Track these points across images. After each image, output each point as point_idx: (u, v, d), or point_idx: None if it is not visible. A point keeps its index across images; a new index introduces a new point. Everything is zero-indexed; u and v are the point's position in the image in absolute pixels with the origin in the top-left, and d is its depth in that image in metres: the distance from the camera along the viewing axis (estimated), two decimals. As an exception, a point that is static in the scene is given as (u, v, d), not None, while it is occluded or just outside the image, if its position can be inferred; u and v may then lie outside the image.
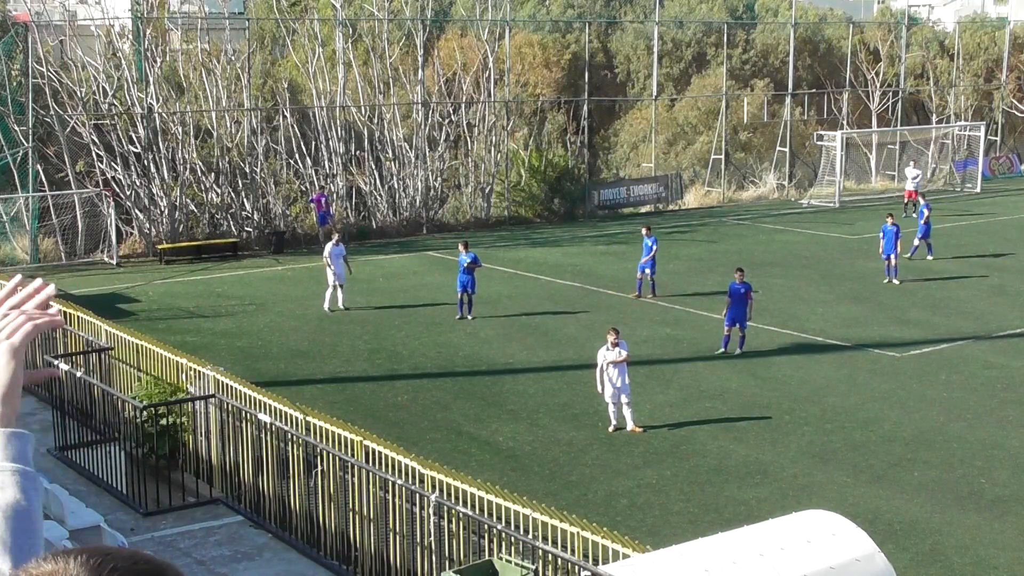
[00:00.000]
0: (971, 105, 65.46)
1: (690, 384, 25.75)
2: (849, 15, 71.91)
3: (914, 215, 39.13)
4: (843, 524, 12.20)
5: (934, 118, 64.21)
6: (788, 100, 58.42)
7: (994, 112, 66.33)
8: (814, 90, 60.65)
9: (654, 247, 34.06)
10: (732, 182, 57.42)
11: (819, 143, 56.03)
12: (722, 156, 56.03)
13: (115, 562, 2.21)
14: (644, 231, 34.92)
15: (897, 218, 38.24)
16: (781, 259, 40.19)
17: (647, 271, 34.28)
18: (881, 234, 36.44)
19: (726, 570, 11.09)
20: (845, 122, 59.61)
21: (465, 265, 31.63)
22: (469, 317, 31.83)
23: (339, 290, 32.60)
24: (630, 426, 22.47)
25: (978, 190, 57.74)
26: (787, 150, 57.88)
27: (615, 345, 22.50)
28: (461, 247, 32.67)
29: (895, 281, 35.80)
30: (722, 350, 28.04)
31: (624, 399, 22.49)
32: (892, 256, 35.91)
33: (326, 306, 32.47)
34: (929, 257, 38.59)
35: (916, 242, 38.56)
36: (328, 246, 32.77)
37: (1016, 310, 32.65)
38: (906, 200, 47.10)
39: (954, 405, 24.22)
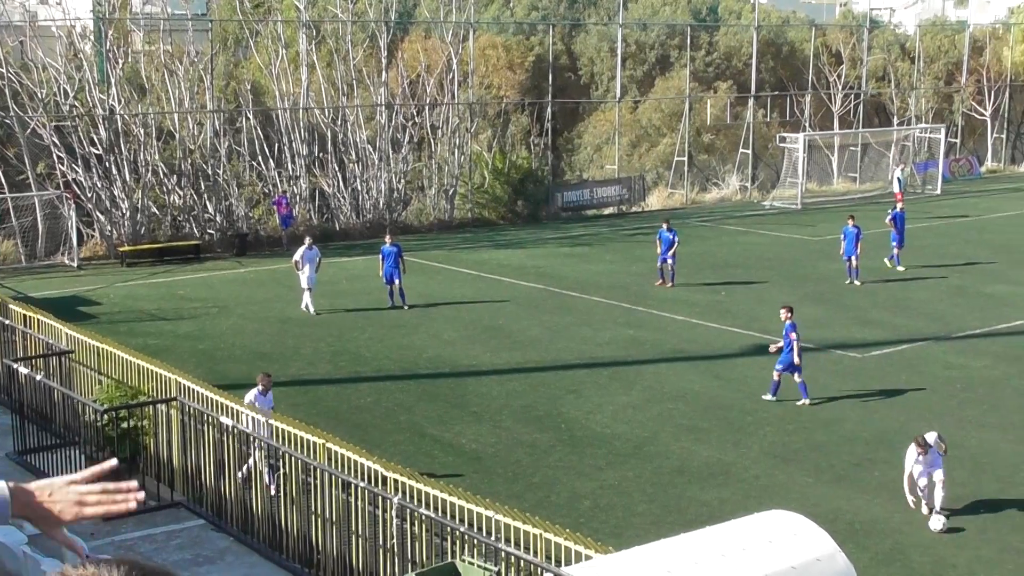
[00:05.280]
0: (932, 107, 65.95)
1: (653, 385, 25.81)
2: (811, 18, 72.36)
3: (887, 220, 38.97)
4: (804, 524, 12.26)
5: (895, 120, 64.64)
6: (751, 102, 58.68)
7: (954, 115, 66.85)
8: (777, 92, 60.94)
9: (675, 239, 35.72)
10: (695, 184, 57.61)
11: (782, 145, 56.27)
12: (685, 158, 56.22)
13: (155, 574, 2.37)
14: (664, 225, 36.36)
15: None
16: (744, 261, 40.34)
17: (669, 261, 35.79)
18: (842, 236, 36.63)
19: (688, 571, 11.12)
20: (807, 124, 59.93)
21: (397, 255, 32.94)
22: (405, 307, 32.57)
23: (306, 293, 32.44)
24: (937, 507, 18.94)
25: (938, 192, 58.15)
26: (750, 152, 58.13)
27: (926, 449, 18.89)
28: (387, 237, 33.92)
29: (856, 282, 36.00)
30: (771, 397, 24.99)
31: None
32: (853, 258, 36.09)
33: (311, 310, 32.30)
34: (898, 268, 38.18)
35: (896, 250, 38.32)
36: (300, 250, 32.61)
37: (975, 311, 32.90)
38: (896, 202, 46.96)
39: (915, 405, 24.39)
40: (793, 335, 24.47)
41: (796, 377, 24.61)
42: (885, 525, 18.37)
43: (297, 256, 32.58)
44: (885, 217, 39.43)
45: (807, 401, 24.44)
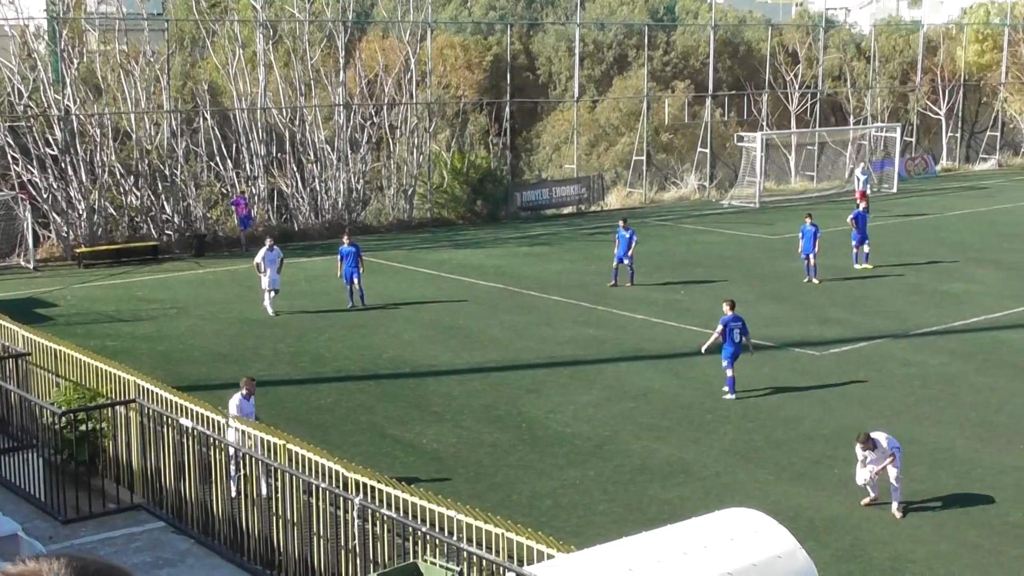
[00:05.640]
0: (887, 107, 66.46)
1: (613, 384, 25.87)
2: (768, 18, 72.81)
3: (849, 219, 39.14)
4: (765, 521, 12.31)
5: (851, 119, 65.08)
6: (708, 101, 58.91)
7: (909, 114, 67.40)
8: (734, 92, 61.23)
9: (632, 239, 35.41)
10: (654, 183, 57.78)
11: (739, 144, 56.55)
12: (644, 157, 56.38)
13: (97, 567, 2.31)
14: (621, 224, 36.20)
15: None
16: (703, 260, 40.51)
17: (625, 261, 35.59)
18: (800, 234, 36.83)
19: (650, 569, 11.15)
20: (765, 123, 60.23)
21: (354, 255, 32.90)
22: (363, 307, 32.72)
23: (268, 295, 32.22)
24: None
25: (894, 190, 58.59)
26: (708, 151, 58.37)
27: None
28: (345, 237, 33.83)
29: (815, 280, 36.22)
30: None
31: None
32: (811, 256, 36.30)
33: (270, 311, 32.11)
34: (866, 265, 38.40)
35: (856, 248, 38.56)
36: (261, 252, 32.43)
37: (932, 308, 33.18)
38: (858, 201, 47.40)
39: (873, 402, 24.56)
40: (720, 327, 24.92)
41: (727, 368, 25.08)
42: (845, 522, 18.49)
43: (258, 259, 32.39)
44: (847, 216, 39.68)
45: (728, 392, 24.85)
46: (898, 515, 18.77)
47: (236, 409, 18.87)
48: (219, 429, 17.52)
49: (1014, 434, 22.65)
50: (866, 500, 19.11)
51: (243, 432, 17.52)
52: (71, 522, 18.28)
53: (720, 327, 24.91)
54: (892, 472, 18.79)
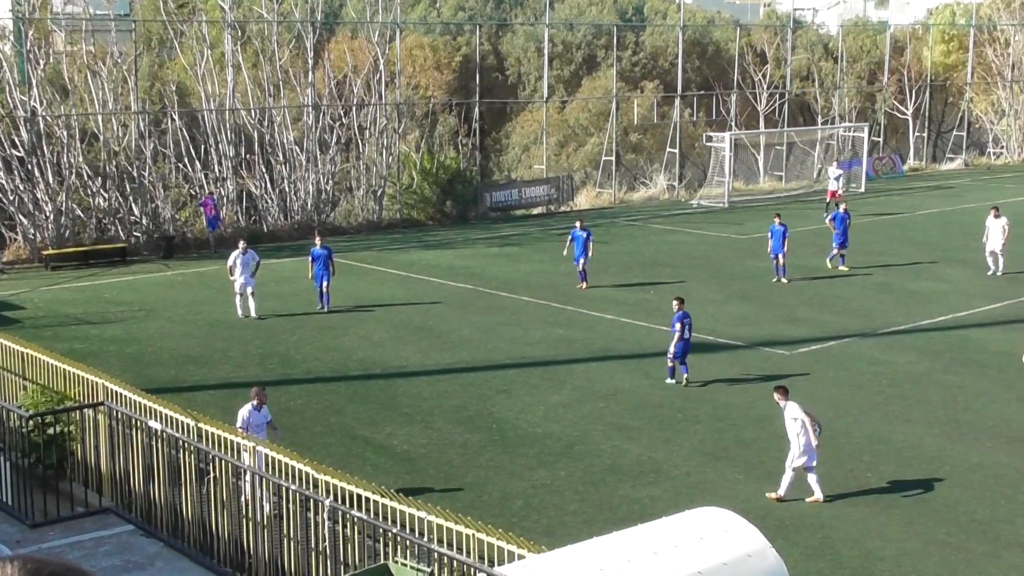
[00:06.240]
0: (855, 107, 66.80)
1: (583, 384, 25.90)
2: (736, 18, 72.99)
3: (827, 220, 39.12)
4: (735, 521, 12.35)
5: (819, 119, 65.38)
6: (677, 102, 59.06)
7: (877, 114, 67.76)
8: (703, 92, 61.41)
9: (590, 238, 35.30)
10: (623, 183, 57.87)
11: (708, 144, 56.71)
12: (613, 157, 56.48)
13: (51, 568, 2.26)
14: (578, 224, 36.11)
15: (818, 218, 38.55)
16: (672, 259, 40.60)
17: (581, 261, 35.49)
18: (769, 234, 36.95)
19: (621, 569, 11.17)
20: (733, 123, 60.43)
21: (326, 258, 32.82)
22: (326, 309, 32.59)
23: (250, 298, 32.05)
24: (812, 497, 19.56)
25: (862, 190, 58.84)
26: (677, 151, 58.51)
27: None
28: (317, 239, 33.78)
29: (784, 280, 36.34)
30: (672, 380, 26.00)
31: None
32: (780, 255, 36.41)
33: (239, 313, 31.96)
34: (842, 268, 38.44)
35: (835, 251, 38.60)
36: (234, 254, 32.24)
37: (900, 307, 33.35)
38: (828, 200, 47.58)
39: (842, 401, 24.67)
40: (678, 325, 25.53)
41: (678, 363, 25.78)
42: (814, 520, 18.58)
43: (231, 261, 32.20)
44: (825, 218, 39.69)
45: (686, 376, 25.74)
46: (771, 496, 19.29)
47: (243, 421, 18.64)
48: (187, 431, 17.41)
49: (981, 432, 22.81)
50: (811, 498, 19.37)
51: (253, 451, 17.16)
52: (39, 526, 18.16)
53: (678, 324, 25.52)
54: (790, 456, 19.36)
